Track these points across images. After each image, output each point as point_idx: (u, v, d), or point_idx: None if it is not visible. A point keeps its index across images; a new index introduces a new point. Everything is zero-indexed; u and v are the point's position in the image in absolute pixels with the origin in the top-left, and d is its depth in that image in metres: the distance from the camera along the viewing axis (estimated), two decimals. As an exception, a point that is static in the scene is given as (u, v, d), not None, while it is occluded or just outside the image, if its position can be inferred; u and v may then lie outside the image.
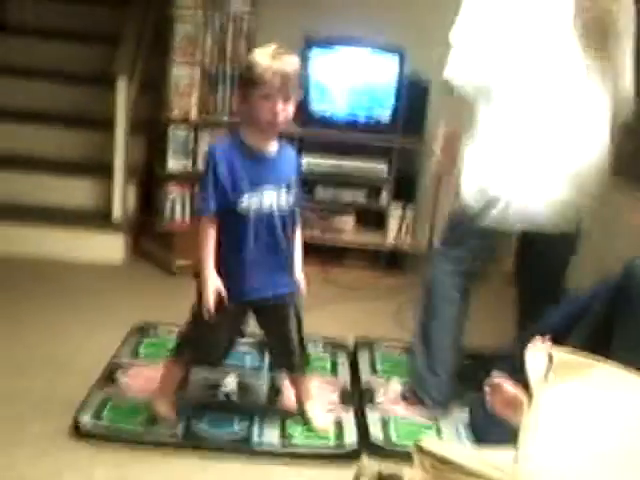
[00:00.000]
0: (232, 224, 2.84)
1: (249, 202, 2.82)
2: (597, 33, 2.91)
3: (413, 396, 3.34)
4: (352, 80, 5.01)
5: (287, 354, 3.13)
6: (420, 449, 1.77)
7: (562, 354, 1.85)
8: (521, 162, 2.99)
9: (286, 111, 2.78)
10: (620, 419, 1.69)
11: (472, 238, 3.18)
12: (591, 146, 3.01)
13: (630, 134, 4.51)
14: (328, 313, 4.27)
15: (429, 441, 1.80)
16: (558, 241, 3.16)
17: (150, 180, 5.20)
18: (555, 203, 3.01)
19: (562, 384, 1.76)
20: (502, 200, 3.01)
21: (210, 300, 2.79)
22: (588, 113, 2.98)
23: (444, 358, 3.28)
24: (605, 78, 2.97)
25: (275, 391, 3.40)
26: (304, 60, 4.90)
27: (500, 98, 2.98)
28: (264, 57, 2.76)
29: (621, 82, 3.04)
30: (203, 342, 3.03)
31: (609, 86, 2.99)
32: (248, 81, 2.78)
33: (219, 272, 2.83)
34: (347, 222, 5.22)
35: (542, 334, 2.10)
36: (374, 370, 3.68)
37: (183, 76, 4.84)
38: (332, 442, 3.06)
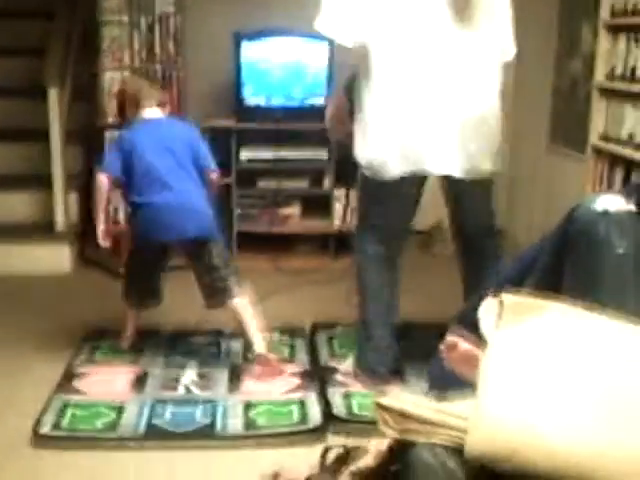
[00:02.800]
0: None
1: None
2: None
3: (360, 372, 3.38)
4: (284, 70, 5.02)
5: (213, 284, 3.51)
6: (381, 406, 1.78)
7: (513, 297, 1.86)
8: (404, 117, 3.04)
9: None
10: (575, 353, 1.71)
11: (377, 198, 3.21)
12: (475, 101, 3.05)
13: (562, 101, 4.62)
14: (282, 300, 4.27)
15: (389, 399, 1.80)
16: (473, 192, 3.23)
17: (90, 187, 5.13)
18: (442, 148, 3.05)
19: (515, 326, 1.77)
20: (389, 147, 3.06)
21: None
22: (467, 69, 3.02)
23: (380, 331, 3.31)
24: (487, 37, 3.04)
25: (235, 378, 3.40)
26: (235, 54, 4.92)
27: (376, 59, 3.02)
28: None
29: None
30: (136, 279, 3.64)
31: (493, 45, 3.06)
32: None
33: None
34: (292, 211, 5.23)
35: (491, 292, 2.12)
36: (332, 351, 3.69)
37: (114, 80, 4.81)
38: (296, 421, 3.06)
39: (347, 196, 5.08)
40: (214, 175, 3.59)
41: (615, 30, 3.74)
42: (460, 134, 3.05)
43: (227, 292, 3.49)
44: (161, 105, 3.64)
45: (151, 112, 3.58)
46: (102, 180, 3.49)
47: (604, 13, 3.80)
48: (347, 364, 3.49)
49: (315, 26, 3.06)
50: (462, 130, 3.04)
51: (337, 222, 5.15)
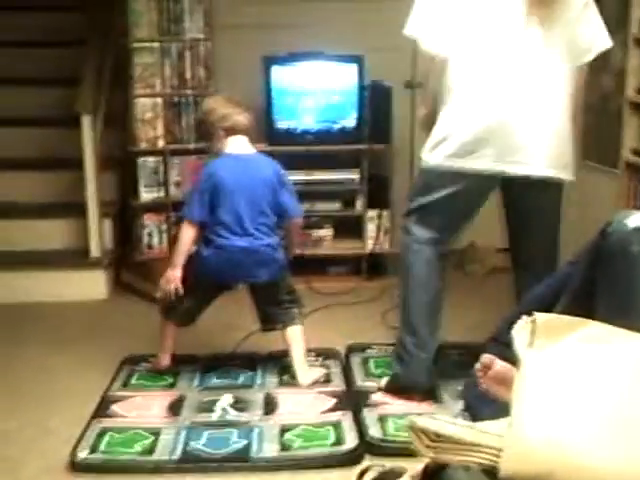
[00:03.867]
0: None
1: None
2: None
3: (395, 389, 3.37)
4: (314, 93, 5.04)
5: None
6: (415, 427, 1.77)
7: (546, 317, 1.85)
8: (476, 119, 3.07)
9: None
10: (611, 373, 1.69)
11: (435, 192, 3.21)
12: (548, 111, 3.07)
13: (594, 117, 4.58)
14: (316, 322, 4.26)
15: (423, 419, 1.80)
16: (536, 198, 3.24)
17: (125, 213, 5.19)
18: (511, 148, 3.07)
19: (548, 345, 1.76)
20: (454, 137, 3.09)
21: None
22: (543, 82, 3.05)
23: (424, 337, 3.32)
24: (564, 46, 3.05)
25: (271, 404, 3.40)
26: (265, 78, 4.95)
27: (459, 68, 3.08)
28: None
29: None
30: (185, 303, 3.51)
31: (570, 54, 3.07)
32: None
33: None
34: (325, 233, 5.23)
35: (527, 311, 2.11)
36: (367, 372, 3.68)
37: (146, 107, 4.87)
38: (331, 443, 3.05)
39: (380, 218, 5.08)
40: (298, 222, 3.61)
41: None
42: (539, 141, 3.07)
43: (287, 319, 3.54)
44: (249, 135, 3.49)
45: (238, 144, 3.46)
46: (188, 230, 3.39)
47: (634, 28, 3.78)
48: (382, 385, 3.48)
49: (405, 31, 3.10)
50: (541, 137, 3.07)
51: (370, 243, 5.14)
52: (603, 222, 2.30)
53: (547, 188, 3.19)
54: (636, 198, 3.78)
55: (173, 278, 3.42)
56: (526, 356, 1.78)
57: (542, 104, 3.06)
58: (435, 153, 3.16)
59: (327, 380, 3.63)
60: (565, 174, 3.17)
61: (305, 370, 3.57)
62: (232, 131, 3.42)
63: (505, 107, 3.05)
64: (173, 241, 3.67)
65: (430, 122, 3.24)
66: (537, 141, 3.07)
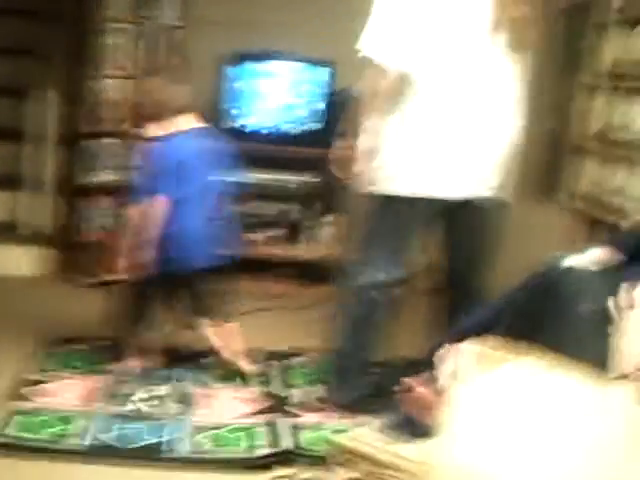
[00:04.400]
0: None
1: None
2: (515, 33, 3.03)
3: (323, 401, 3.38)
4: (282, 93, 5.04)
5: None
6: (334, 445, 1.78)
7: (476, 347, 1.88)
8: (426, 140, 3.08)
9: None
10: (532, 407, 1.72)
11: (386, 224, 3.21)
12: (500, 132, 3.12)
13: (540, 153, 4.66)
14: (248, 325, 4.23)
15: (342, 437, 1.81)
16: (477, 221, 3.26)
17: (72, 192, 5.07)
18: (458, 171, 3.10)
19: (475, 376, 1.79)
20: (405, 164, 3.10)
21: None
22: (498, 102, 3.09)
23: (355, 364, 3.32)
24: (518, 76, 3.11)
25: (186, 400, 3.38)
26: (233, 73, 4.90)
27: (415, 84, 3.07)
28: None
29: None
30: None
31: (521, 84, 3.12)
32: None
33: None
34: (277, 234, 5.19)
35: (459, 335, 2.14)
36: (286, 381, 3.68)
37: (115, 88, 4.76)
38: (242, 450, 3.03)
39: (335, 224, 5.07)
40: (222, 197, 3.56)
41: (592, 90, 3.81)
42: (484, 162, 3.11)
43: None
44: (194, 111, 3.43)
45: (185, 121, 3.43)
46: (161, 203, 3.31)
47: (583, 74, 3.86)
48: (300, 395, 3.48)
49: (358, 46, 3.08)
50: (487, 158, 3.11)
51: (322, 249, 5.10)
52: (542, 258, 2.35)
53: (487, 209, 3.22)
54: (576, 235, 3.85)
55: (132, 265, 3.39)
56: (452, 386, 1.80)
57: (496, 124, 3.10)
58: (389, 181, 3.15)
59: (246, 383, 3.61)
60: (504, 194, 3.21)
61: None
62: (181, 110, 3.39)
63: (457, 129, 3.07)
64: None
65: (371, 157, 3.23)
66: (482, 162, 3.11)
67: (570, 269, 2.28)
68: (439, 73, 3.06)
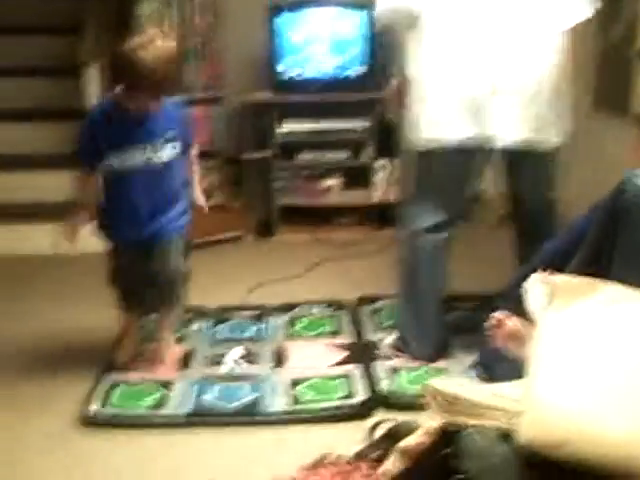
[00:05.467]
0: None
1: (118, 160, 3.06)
2: None
3: (405, 347, 3.35)
4: (323, 40, 4.96)
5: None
6: (430, 390, 1.76)
7: (562, 279, 1.83)
8: (461, 78, 3.01)
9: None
10: (628, 338, 1.68)
11: (433, 177, 3.18)
12: (533, 67, 3.00)
13: (607, 66, 4.51)
14: (325, 273, 4.25)
15: (438, 382, 1.79)
16: (534, 161, 3.17)
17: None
18: (501, 113, 3.01)
19: (565, 307, 1.74)
20: (451, 108, 3.03)
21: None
22: (524, 32, 2.98)
23: (427, 309, 3.29)
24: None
25: (281, 357, 3.40)
26: (271, 26, 4.87)
27: (428, 26, 3.00)
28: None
29: None
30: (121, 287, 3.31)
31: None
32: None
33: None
34: (332, 183, 5.19)
35: (540, 267, 2.09)
36: (377, 325, 3.67)
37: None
38: (342, 396, 3.05)
39: (388, 167, 5.03)
40: None
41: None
42: (518, 100, 3.00)
43: None
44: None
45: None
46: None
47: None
48: (392, 338, 3.47)
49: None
50: (520, 96, 3.00)
51: (378, 194, 5.10)
52: (617, 174, 2.27)
53: (534, 152, 3.14)
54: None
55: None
56: (543, 318, 1.76)
57: (521, 67, 2.99)
58: (419, 131, 3.11)
59: (336, 332, 3.62)
60: (547, 137, 3.12)
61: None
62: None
63: (483, 74, 2.98)
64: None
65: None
66: (515, 107, 3.01)
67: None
68: (458, 7, 2.98)
